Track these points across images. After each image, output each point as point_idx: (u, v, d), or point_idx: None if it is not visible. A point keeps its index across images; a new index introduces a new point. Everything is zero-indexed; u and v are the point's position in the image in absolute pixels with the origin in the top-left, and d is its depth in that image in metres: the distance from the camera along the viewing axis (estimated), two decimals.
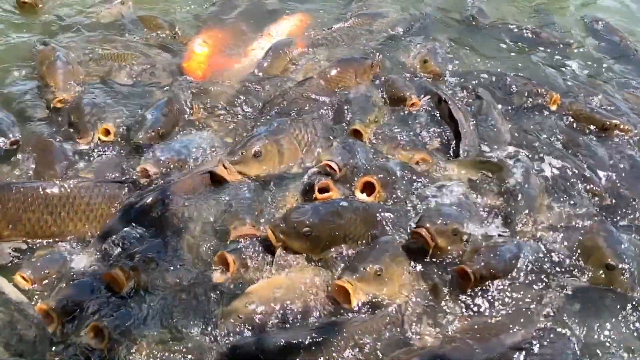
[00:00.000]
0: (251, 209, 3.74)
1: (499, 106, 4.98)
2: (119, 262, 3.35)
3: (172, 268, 3.43)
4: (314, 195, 3.84)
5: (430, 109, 4.85)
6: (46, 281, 3.38)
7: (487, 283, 3.44)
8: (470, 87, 5.15)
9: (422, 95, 4.93)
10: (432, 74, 5.37)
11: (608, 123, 4.93)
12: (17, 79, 5.03)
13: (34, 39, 5.56)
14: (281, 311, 3.19)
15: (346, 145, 4.13)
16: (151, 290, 3.32)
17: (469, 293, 3.42)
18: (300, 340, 3.00)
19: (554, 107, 5.04)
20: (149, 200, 3.78)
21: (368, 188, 3.91)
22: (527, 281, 3.51)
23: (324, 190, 3.84)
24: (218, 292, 3.34)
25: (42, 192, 3.73)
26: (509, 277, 3.50)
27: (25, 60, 5.25)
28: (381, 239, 3.66)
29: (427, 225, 3.56)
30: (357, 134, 4.45)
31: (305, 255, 3.57)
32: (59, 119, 4.59)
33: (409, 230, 3.72)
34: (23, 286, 3.30)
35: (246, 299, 3.21)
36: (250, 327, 3.11)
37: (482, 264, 3.44)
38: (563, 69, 5.89)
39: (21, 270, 3.39)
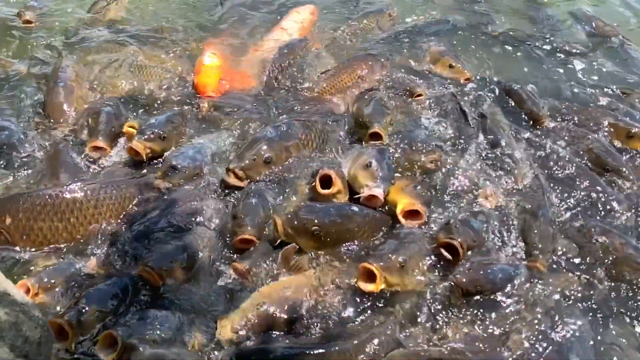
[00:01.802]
0: (256, 214, 3.69)
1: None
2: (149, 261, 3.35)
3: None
4: (314, 183, 3.82)
5: (437, 105, 4.85)
6: (52, 292, 3.31)
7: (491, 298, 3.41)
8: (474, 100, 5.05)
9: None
10: (462, 78, 5.34)
11: (633, 131, 4.80)
12: (30, 88, 5.00)
13: (44, 50, 5.57)
14: (290, 311, 3.18)
15: (383, 166, 3.98)
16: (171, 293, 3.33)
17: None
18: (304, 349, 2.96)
19: (543, 126, 4.86)
20: (157, 207, 3.80)
21: (412, 214, 3.77)
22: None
23: (326, 182, 3.81)
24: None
25: (49, 200, 3.72)
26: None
27: (37, 72, 5.24)
28: (405, 231, 3.65)
29: (460, 239, 3.53)
30: (375, 137, 4.38)
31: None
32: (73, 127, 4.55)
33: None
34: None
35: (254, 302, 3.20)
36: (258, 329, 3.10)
37: (470, 279, 3.41)
38: (573, 76, 5.78)
39: (26, 279, 3.31)
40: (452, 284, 3.40)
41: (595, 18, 6.85)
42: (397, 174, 4.09)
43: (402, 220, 3.74)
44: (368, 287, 3.28)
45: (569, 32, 6.68)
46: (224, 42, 5.88)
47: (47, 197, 3.74)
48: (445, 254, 3.54)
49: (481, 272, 3.47)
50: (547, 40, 6.26)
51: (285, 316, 3.16)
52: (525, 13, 6.94)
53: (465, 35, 6.21)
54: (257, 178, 4.03)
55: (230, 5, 6.59)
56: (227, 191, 4.03)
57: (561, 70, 5.82)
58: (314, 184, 3.82)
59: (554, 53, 6.07)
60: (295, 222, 3.53)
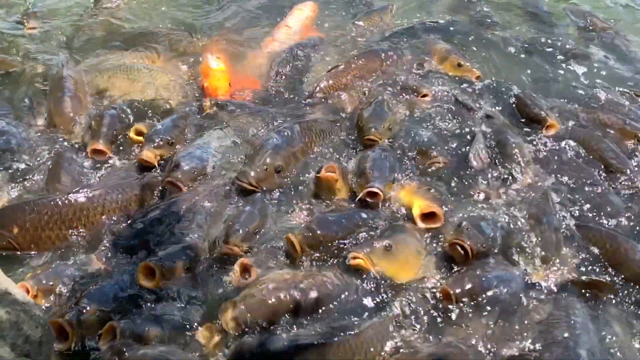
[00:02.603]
0: (245, 225, 3.65)
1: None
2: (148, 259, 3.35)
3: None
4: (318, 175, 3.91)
5: (443, 106, 4.85)
6: (51, 293, 3.31)
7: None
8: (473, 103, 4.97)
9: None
10: (473, 77, 5.32)
11: None
12: (31, 93, 5.01)
13: (46, 55, 5.53)
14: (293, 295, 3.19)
15: (378, 165, 4.07)
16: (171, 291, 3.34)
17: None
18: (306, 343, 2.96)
19: (549, 133, 4.71)
20: (161, 207, 3.82)
21: (428, 217, 3.78)
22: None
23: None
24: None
25: (56, 209, 3.72)
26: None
27: (38, 77, 5.22)
28: (395, 224, 3.70)
29: (469, 242, 3.53)
30: (371, 142, 4.41)
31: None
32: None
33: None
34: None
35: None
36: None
37: (465, 288, 3.35)
38: (576, 77, 5.71)
39: (24, 281, 3.29)
40: (443, 291, 3.36)
41: (592, 15, 6.81)
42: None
43: (420, 223, 3.75)
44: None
45: (568, 30, 6.66)
46: (228, 43, 5.88)
47: (53, 205, 3.74)
48: (460, 250, 3.54)
49: (476, 280, 3.39)
50: (548, 40, 6.17)
51: (288, 298, 3.16)
52: (524, 12, 6.90)
53: (467, 36, 6.16)
54: (270, 187, 4.02)
55: (228, 5, 6.63)
56: (233, 192, 4.03)
57: (562, 72, 5.76)
58: (318, 174, 3.90)
59: (555, 53, 5.99)
60: (312, 238, 3.53)
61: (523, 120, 4.91)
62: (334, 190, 3.96)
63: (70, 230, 3.71)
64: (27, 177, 4.12)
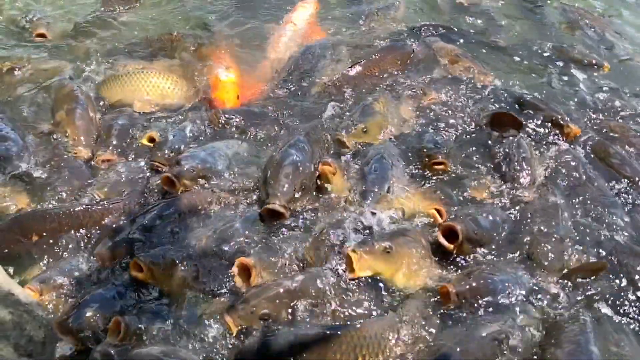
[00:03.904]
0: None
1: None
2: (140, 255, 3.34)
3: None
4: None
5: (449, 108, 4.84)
6: (56, 292, 3.30)
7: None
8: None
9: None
10: (485, 80, 5.29)
11: None
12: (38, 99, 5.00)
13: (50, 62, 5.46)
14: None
15: (369, 181, 4.05)
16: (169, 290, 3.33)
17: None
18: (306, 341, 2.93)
19: (568, 138, 4.62)
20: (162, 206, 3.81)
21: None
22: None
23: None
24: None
25: (76, 219, 3.73)
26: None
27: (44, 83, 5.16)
28: (400, 227, 3.66)
29: (459, 226, 3.49)
30: (342, 144, 4.43)
31: None
32: None
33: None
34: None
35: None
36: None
37: (467, 287, 3.30)
38: (580, 83, 5.61)
39: (30, 283, 3.29)
40: (442, 289, 3.31)
41: (588, 13, 6.80)
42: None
43: (437, 217, 3.75)
44: (350, 274, 3.31)
45: (567, 30, 6.64)
46: (234, 46, 5.89)
47: (74, 216, 3.75)
48: (443, 241, 3.51)
49: (481, 282, 3.34)
50: (550, 42, 6.17)
51: (285, 287, 3.17)
52: (524, 13, 6.89)
53: (471, 39, 6.13)
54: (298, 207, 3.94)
55: (229, 6, 6.63)
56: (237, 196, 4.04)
57: (566, 77, 5.69)
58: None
59: (557, 56, 5.96)
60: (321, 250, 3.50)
61: (536, 125, 4.81)
62: (330, 183, 3.98)
63: (87, 242, 3.72)
64: (41, 184, 4.12)
